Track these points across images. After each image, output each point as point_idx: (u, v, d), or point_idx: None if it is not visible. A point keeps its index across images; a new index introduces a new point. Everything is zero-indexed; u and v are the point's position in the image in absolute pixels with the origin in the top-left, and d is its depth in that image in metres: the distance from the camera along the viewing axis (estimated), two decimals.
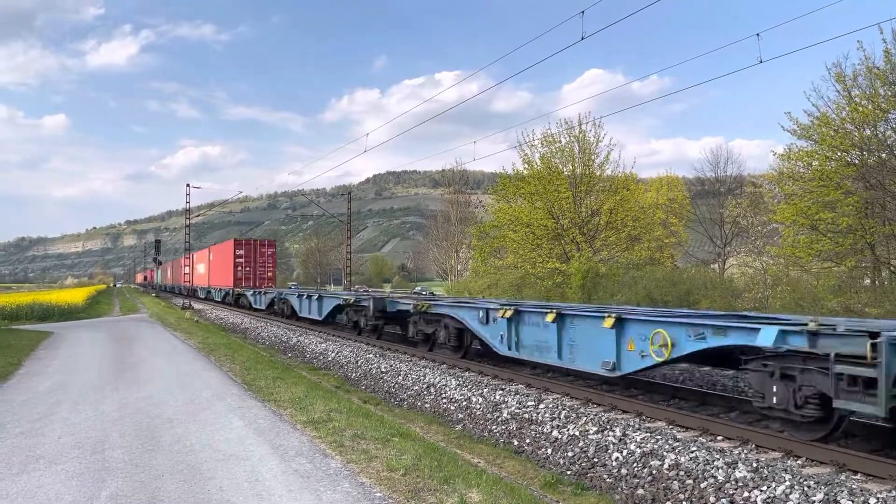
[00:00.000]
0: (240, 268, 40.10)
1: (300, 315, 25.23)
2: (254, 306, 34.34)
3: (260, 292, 33.22)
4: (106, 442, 7.11)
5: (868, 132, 20.64)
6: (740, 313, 11.16)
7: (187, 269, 50.89)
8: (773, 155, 24.02)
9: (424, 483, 5.71)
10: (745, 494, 5.94)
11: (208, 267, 48.56)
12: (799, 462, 6.49)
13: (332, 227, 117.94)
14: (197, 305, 44.21)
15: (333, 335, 20.57)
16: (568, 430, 8.41)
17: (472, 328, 13.07)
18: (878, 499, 5.41)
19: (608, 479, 7.13)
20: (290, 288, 41.72)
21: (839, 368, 6.09)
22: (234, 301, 39.03)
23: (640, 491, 6.71)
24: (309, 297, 24.09)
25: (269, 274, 40.98)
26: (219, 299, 44.47)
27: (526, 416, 9.27)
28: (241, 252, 40.43)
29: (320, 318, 22.68)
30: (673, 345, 8.11)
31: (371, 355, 15.73)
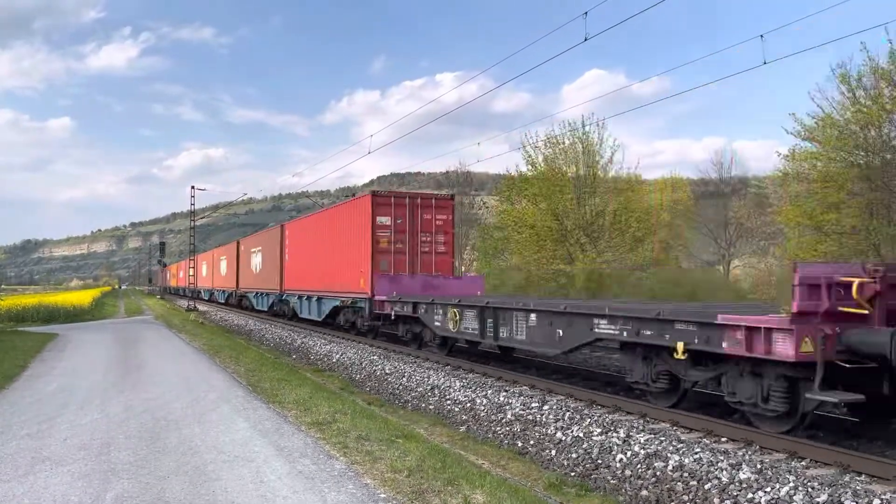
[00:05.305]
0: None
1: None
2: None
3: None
4: (112, 443, 7.15)
5: (873, 133, 20.61)
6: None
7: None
8: (778, 156, 23.99)
9: (429, 484, 5.73)
10: (750, 496, 5.94)
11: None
12: (803, 463, 6.49)
13: None
14: (201, 307, 44.33)
15: (338, 337, 20.60)
16: (572, 431, 8.42)
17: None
18: (882, 500, 5.41)
19: (612, 481, 7.14)
20: None
21: None
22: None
23: (644, 492, 6.71)
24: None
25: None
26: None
27: (530, 417, 9.28)
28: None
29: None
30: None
31: (375, 357, 15.75)
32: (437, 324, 14.01)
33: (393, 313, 16.11)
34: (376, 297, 16.88)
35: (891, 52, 19.24)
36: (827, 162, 21.10)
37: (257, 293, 32.94)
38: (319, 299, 22.52)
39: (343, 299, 20.18)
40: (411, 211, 18.62)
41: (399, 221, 18.28)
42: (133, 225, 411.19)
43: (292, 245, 26.34)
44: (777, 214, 26.26)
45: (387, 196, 18.61)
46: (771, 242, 31.38)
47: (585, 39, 13.16)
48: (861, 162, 20.64)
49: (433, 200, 19.18)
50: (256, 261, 32.95)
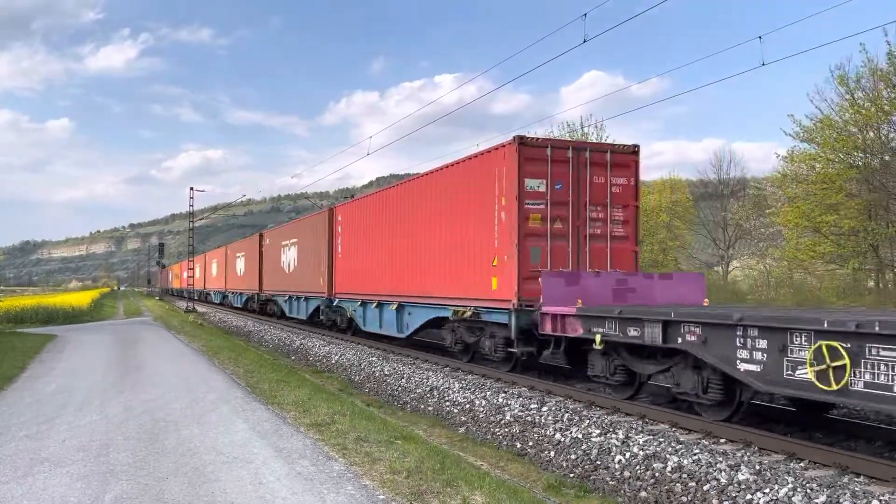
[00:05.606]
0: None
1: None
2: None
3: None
4: (111, 444, 7.15)
5: (871, 134, 20.66)
6: None
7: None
8: (777, 157, 24.08)
9: (427, 485, 5.73)
10: (748, 497, 5.95)
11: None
12: (802, 464, 6.49)
13: None
14: (200, 309, 44.30)
15: (337, 338, 20.59)
16: (571, 432, 8.42)
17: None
18: (880, 501, 5.41)
19: (611, 482, 7.14)
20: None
21: None
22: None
23: (643, 493, 6.71)
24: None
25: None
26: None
27: (529, 418, 9.29)
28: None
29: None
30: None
31: (374, 358, 15.74)
32: (748, 367, 7.00)
33: (598, 338, 9.19)
34: (545, 309, 10.29)
35: (889, 53, 19.30)
36: (825, 163, 21.15)
37: (290, 297, 26.95)
38: (401, 308, 16.04)
39: (457, 308, 13.19)
40: (576, 170, 11.82)
41: (558, 187, 11.69)
42: (132, 226, 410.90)
43: (349, 234, 20.00)
44: (776, 216, 26.31)
45: (541, 146, 11.79)
46: (770, 244, 31.38)
47: (584, 41, 13.18)
48: (859, 163, 20.70)
49: (608, 155, 12.16)
50: (289, 256, 26.71)
